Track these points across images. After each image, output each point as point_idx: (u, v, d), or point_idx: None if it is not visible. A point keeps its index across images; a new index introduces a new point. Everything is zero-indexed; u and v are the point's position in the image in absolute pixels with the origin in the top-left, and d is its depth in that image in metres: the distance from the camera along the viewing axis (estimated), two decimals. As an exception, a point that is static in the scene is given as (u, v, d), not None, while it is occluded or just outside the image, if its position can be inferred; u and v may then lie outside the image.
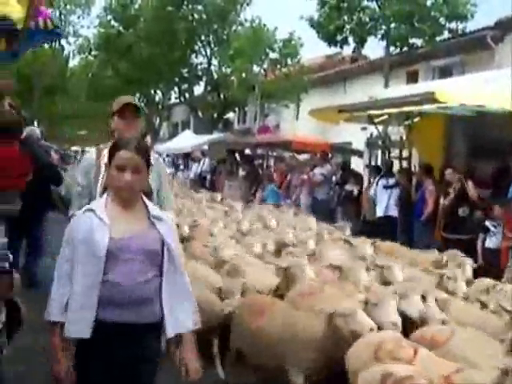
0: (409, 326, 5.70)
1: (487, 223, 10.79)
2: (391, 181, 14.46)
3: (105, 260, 3.60)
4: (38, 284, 10.20)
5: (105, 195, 3.92)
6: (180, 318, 3.82)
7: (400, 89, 16.99)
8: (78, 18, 42.72)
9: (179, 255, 3.99)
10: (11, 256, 3.48)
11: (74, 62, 46.87)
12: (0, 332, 3.54)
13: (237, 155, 25.56)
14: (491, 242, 10.64)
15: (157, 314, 3.78)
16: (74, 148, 57.19)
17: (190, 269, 7.17)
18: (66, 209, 16.00)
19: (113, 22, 38.75)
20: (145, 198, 3.95)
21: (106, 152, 4.32)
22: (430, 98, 11.17)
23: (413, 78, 23.45)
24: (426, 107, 12.10)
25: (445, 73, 21.65)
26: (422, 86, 15.63)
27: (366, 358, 4.83)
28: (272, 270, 7.96)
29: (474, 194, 11.66)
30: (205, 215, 13.43)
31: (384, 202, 14.33)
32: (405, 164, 15.80)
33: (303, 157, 22.62)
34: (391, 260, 8.26)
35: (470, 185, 11.72)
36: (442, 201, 12.20)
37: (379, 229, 13.71)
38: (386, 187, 14.41)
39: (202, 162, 28.56)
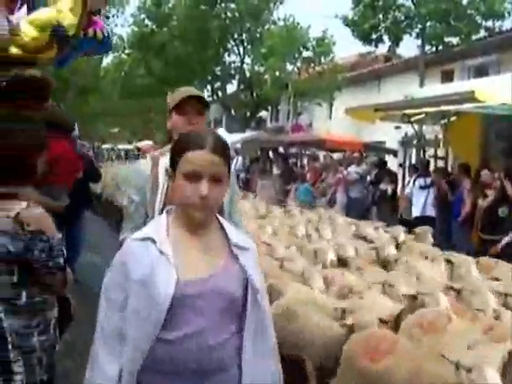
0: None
1: None
2: (428, 180, 14.32)
3: (167, 310, 2.57)
4: (77, 280, 10.31)
5: (164, 215, 2.82)
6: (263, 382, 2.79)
7: (436, 88, 16.88)
8: (113, 16, 42.94)
9: (264, 292, 2.89)
10: (65, 252, 3.48)
11: (107, 61, 47.23)
12: (54, 327, 3.57)
13: (271, 154, 25.55)
14: None
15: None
16: (105, 146, 57.66)
17: (292, 289, 6.05)
18: (101, 208, 16.04)
19: (146, 21, 38.89)
20: (221, 218, 2.89)
21: (164, 160, 3.46)
22: (469, 97, 11.10)
23: (448, 77, 23.28)
24: (465, 106, 11.99)
25: (481, 72, 21.46)
26: (458, 85, 15.54)
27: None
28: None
29: None
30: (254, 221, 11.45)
31: (421, 201, 14.20)
32: (440, 163, 15.71)
33: (336, 155, 22.58)
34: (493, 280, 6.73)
35: (508, 184, 11.57)
36: (480, 202, 12.04)
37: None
38: (422, 187, 14.27)
39: (235, 161, 28.58)
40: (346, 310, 5.47)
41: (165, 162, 3.12)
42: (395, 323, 5.29)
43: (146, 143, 54.48)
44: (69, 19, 4.72)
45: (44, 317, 3.45)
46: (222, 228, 2.82)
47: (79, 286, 10.28)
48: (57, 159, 5.38)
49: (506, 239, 10.63)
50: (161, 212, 3.42)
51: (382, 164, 17.76)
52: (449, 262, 7.41)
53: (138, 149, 52.93)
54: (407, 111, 14.46)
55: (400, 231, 9.66)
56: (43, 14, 4.78)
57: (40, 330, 3.41)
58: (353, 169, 17.36)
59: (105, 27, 5.30)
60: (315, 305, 5.82)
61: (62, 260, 3.39)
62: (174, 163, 2.74)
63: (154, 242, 2.66)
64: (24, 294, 3.34)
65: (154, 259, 2.62)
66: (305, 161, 25.74)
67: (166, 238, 2.68)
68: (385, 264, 7.96)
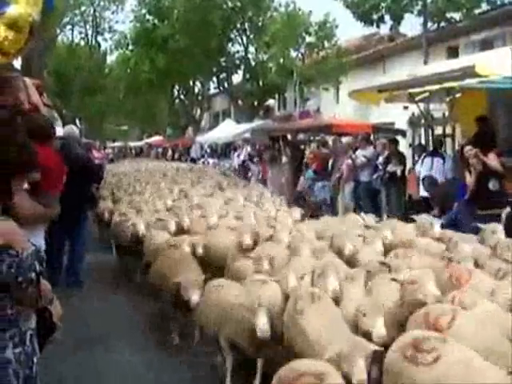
0: None
1: None
2: (436, 160, 14.01)
3: None
4: (81, 283, 10.25)
5: None
6: None
7: (440, 64, 16.58)
8: (113, 13, 42.92)
9: None
10: (38, 266, 3.30)
11: (111, 58, 47.19)
12: (30, 339, 3.43)
13: (281, 142, 25.33)
14: None
15: None
16: (116, 144, 57.71)
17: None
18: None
19: (147, 16, 38.79)
20: None
21: None
22: (470, 72, 10.85)
23: (453, 53, 22.98)
24: (467, 82, 11.68)
25: (486, 46, 21.12)
26: (462, 60, 15.25)
27: None
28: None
29: (498, 166, 10.99)
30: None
31: (428, 181, 13.92)
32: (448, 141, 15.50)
33: (346, 139, 22.32)
34: None
35: (491, 157, 10.99)
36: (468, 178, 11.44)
37: (423, 209, 13.41)
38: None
39: (244, 151, 28.50)
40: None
41: None
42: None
43: (155, 139, 54.64)
44: (34, 8, 4.60)
45: (19, 329, 3.32)
46: None
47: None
48: (46, 168, 5.21)
49: (504, 215, 10.20)
50: None
51: (395, 143, 16.91)
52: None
53: (150, 145, 53.04)
54: (411, 90, 14.17)
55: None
56: (14, 13, 4.65)
57: (15, 342, 3.28)
58: (360, 152, 17.03)
59: None
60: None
61: (33, 275, 3.24)
62: None
63: None
64: (-6, 306, 3.22)
65: None
66: (314, 147, 25.45)
67: None
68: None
